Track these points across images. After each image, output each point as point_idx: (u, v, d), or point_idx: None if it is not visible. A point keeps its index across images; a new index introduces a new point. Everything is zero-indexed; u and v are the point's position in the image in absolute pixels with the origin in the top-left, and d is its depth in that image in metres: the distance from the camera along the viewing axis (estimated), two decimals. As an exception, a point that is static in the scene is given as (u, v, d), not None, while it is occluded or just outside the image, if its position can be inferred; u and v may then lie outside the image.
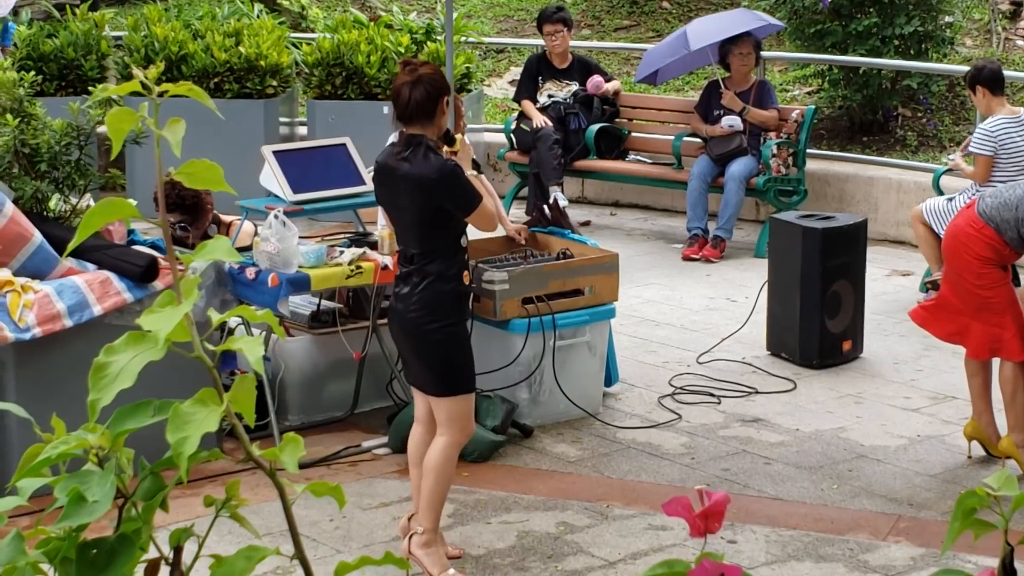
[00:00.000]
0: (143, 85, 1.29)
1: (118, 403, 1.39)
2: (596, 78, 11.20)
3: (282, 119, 11.44)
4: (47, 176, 6.46)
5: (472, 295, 5.57)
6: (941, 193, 9.22)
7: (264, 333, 6.80)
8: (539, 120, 10.93)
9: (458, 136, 5.73)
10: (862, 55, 11.20)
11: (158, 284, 6.25)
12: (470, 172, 5.54)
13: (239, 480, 1.50)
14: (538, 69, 11.24)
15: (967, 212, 6.40)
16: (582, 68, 11.29)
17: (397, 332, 5.50)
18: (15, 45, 10.73)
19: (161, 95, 1.33)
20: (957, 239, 6.36)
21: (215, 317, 1.36)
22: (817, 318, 7.77)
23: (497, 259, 7.07)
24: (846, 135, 11.69)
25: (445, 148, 5.50)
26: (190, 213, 7.23)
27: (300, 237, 6.72)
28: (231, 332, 7.26)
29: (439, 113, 5.32)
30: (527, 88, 11.22)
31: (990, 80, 8.55)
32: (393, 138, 7.50)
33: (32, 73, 6.94)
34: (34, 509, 1.53)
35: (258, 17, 12.21)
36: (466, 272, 5.40)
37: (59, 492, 1.32)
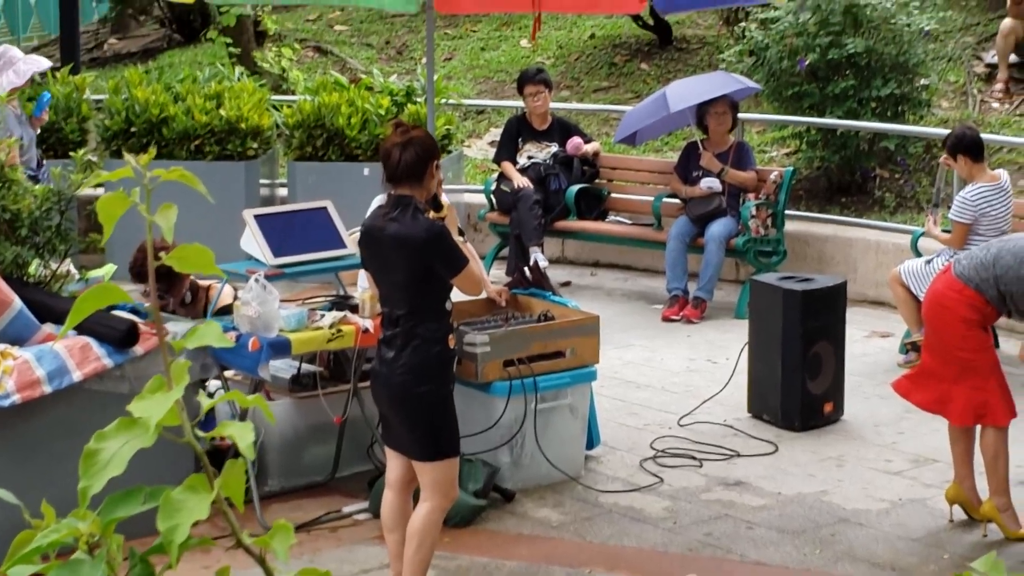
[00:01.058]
0: (135, 171, 1.29)
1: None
2: (575, 139, 11.26)
3: (263, 181, 11.46)
4: (28, 241, 6.46)
5: (456, 358, 5.55)
6: (919, 255, 9.27)
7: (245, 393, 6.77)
8: (519, 181, 10.96)
9: (444, 201, 5.73)
10: (840, 117, 11.29)
11: (138, 349, 6.23)
12: (456, 237, 5.55)
13: (228, 567, 1.49)
14: (518, 130, 11.30)
15: (945, 276, 6.42)
16: (562, 129, 11.34)
17: (382, 396, 5.48)
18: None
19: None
20: (939, 303, 6.38)
21: (205, 403, 1.36)
22: (798, 380, 7.78)
23: (478, 321, 7.07)
24: (825, 196, 11.75)
25: (431, 212, 5.51)
26: (166, 280, 7.27)
27: (281, 300, 6.71)
28: (211, 395, 7.23)
29: (428, 176, 5.35)
30: (507, 149, 11.26)
31: (971, 147, 8.60)
32: (379, 200, 7.54)
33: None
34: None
35: (239, 79, 12.25)
36: (451, 336, 5.39)
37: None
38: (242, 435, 1.26)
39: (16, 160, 8.89)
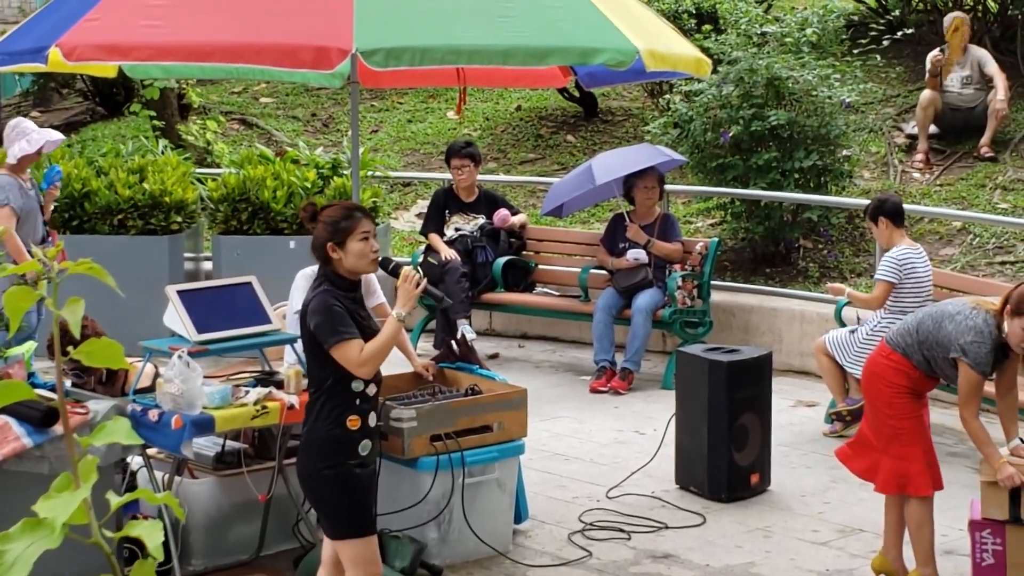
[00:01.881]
0: (43, 264, 1.26)
1: None
2: (502, 211, 11.29)
3: (187, 254, 11.38)
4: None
5: (373, 439, 5.42)
6: (843, 324, 9.35)
7: (166, 475, 6.69)
8: (446, 253, 10.97)
9: (405, 269, 5.62)
10: (763, 188, 11.40)
11: (58, 429, 6.13)
12: (397, 309, 5.44)
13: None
14: (445, 203, 11.31)
15: (879, 345, 6.55)
16: (488, 201, 11.37)
17: None
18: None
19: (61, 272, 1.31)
20: (870, 371, 6.51)
21: (113, 501, 1.33)
22: (725, 451, 7.80)
23: (405, 396, 7.02)
24: (749, 267, 11.84)
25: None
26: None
27: (205, 376, 6.64)
28: (134, 475, 7.13)
29: (328, 255, 5.34)
30: (434, 221, 11.27)
31: (892, 212, 8.73)
32: (304, 273, 7.50)
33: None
34: None
35: (163, 153, 12.19)
36: (353, 417, 5.28)
37: None
38: (150, 535, 1.23)
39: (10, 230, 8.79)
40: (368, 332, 5.30)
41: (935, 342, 6.23)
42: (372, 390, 5.35)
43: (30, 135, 9.04)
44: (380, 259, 5.52)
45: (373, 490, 5.43)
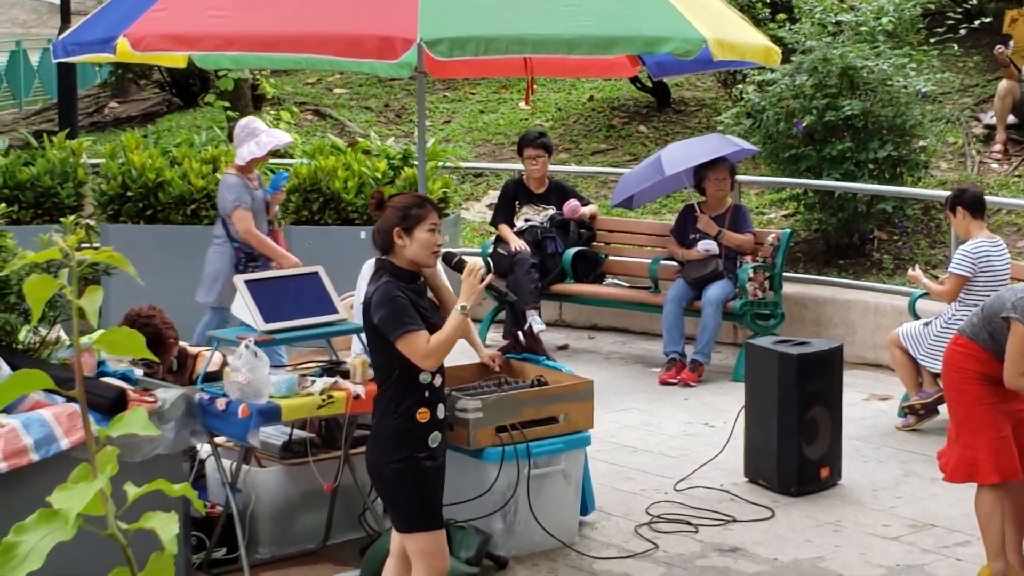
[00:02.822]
0: (63, 252, 1.25)
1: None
2: (572, 202, 11.25)
3: (259, 245, 11.41)
4: (16, 308, 6.41)
5: (442, 431, 5.40)
6: (917, 317, 9.23)
7: (234, 463, 6.72)
8: (516, 244, 10.94)
9: (469, 263, 5.58)
10: (837, 179, 11.28)
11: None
12: (461, 303, 5.41)
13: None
14: (515, 193, 11.28)
15: (954, 336, 6.47)
16: (559, 192, 11.34)
17: None
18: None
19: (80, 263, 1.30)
20: (945, 360, 6.46)
21: (131, 492, 1.31)
22: (795, 444, 7.71)
23: (471, 387, 7.01)
24: (822, 258, 11.72)
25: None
26: (151, 350, 7.24)
27: (272, 366, 6.66)
28: (202, 463, 7.18)
29: (395, 243, 5.31)
30: (504, 212, 11.25)
31: (972, 203, 8.60)
32: (368, 264, 7.49)
33: (2, 204, 6.92)
34: None
35: (236, 143, 12.23)
36: (423, 410, 5.27)
37: None
38: (164, 527, 1.21)
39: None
40: (430, 324, 5.28)
41: (993, 312, 6.16)
42: (439, 381, 5.33)
43: (259, 137, 9.01)
44: (443, 253, 5.51)
45: (441, 483, 5.40)
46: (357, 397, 6.53)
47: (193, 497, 1.39)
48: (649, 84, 15.16)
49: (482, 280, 5.41)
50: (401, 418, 5.22)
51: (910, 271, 9.23)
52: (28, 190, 11.35)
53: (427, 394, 5.26)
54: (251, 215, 9.06)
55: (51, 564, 1.26)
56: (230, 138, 9.36)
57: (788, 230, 10.83)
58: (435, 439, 5.29)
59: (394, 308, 5.19)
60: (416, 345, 5.17)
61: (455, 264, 5.62)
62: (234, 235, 9.12)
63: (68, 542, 1.21)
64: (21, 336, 6.55)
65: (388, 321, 5.19)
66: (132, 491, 1.32)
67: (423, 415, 5.24)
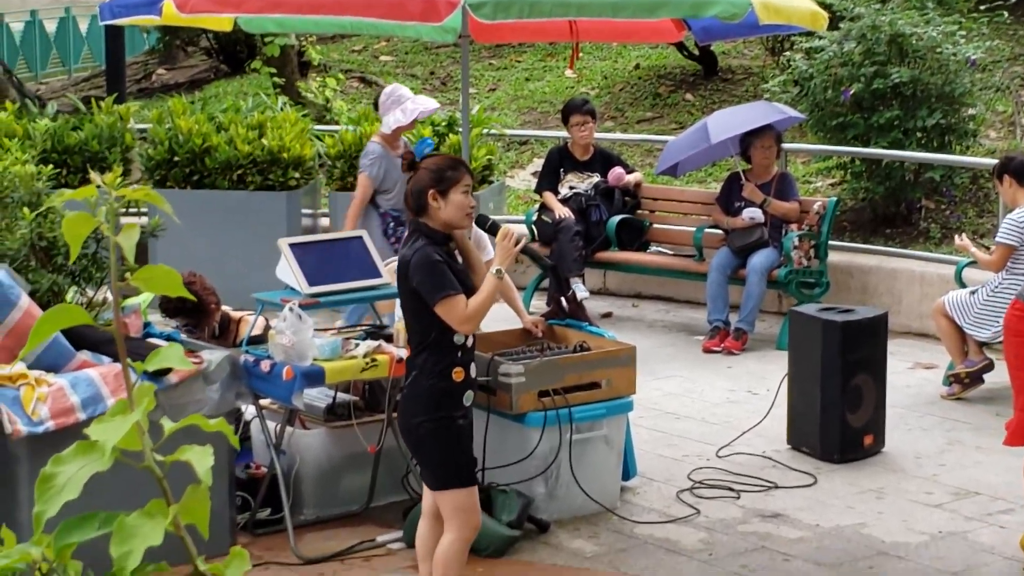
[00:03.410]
0: (99, 188, 1.27)
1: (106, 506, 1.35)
2: (617, 170, 11.21)
3: (304, 211, 11.49)
4: (64, 269, 6.47)
5: (474, 389, 5.43)
6: (964, 286, 9.17)
7: (279, 425, 6.77)
8: (560, 211, 10.93)
9: (504, 227, 5.54)
10: (884, 147, 11.19)
11: (172, 378, 6.22)
12: (496, 266, 5.40)
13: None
14: (560, 161, 11.26)
15: (1012, 302, 6.40)
16: (603, 160, 11.30)
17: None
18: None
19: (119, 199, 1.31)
20: (1004, 326, 6.39)
21: (167, 426, 1.33)
22: (838, 412, 7.69)
23: (513, 352, 7.03)
24: (869, 227, 11.65)
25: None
26: (193, 316, 7.39)
27: (315, 330, 6.70)
28: (247, 424, 7.24)
29: (430, 205, 5.30)
30: (548, 180, 11.23)
31: (1019, 171, 8.53)
32: None
33: (49, 167, 6.98)
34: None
35: (282, 110, 12.31)
36: (458, 369, 5.29)
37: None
38: (200, 460, 1.23)
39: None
40: (466, 287, 5.30)
41: None
42: (471, 342, 5.38)
43: (404, 104, 8.94)
44: (476, 216, 5.51)
45: (471, 441, 5.45)
46: (400, 360, 6.55)
47: (229, 432, 1.41)
48: (696, 52, 15.08)
49: (517, 243, 5.42)
50: (438, 378, 5.25)
51: (957, 240, 9.16)
52: (76, 154, 11.44)
53: (460, 354, 5.31)
54: (371, 186, 9.06)
55: (88, 496, 1.28)
56: (375, 106, 9.33)
57: (834, 198, 10.77)
58: (468, 397, 5.34)
59: (433, 272, 5.21)
60: (455, 310, 5.20)
61: (489, 227, 5.63)
62: (380, 203, 9.15)
63: (105, 475, 1.23)
64: (68, 297, 6.62)
65: (427, 285, 5.21)
66: (168, 426, 1.34)
67: (459, 374, 5.28)
